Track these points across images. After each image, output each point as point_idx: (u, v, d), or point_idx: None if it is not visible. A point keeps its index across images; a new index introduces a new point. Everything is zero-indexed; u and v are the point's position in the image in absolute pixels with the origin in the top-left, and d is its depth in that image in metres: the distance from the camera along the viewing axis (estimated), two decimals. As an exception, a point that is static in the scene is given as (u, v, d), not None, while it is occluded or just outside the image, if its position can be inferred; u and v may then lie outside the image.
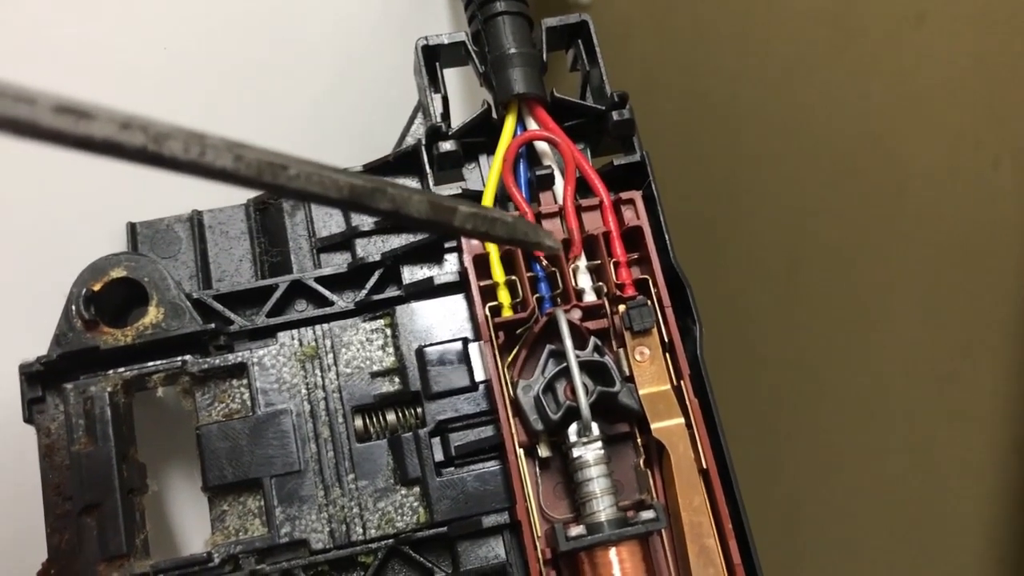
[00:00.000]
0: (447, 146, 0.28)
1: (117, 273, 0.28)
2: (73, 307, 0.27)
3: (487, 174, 0.29)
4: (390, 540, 0.27)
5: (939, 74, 0.56)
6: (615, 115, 0.29)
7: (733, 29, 0.59)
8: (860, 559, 0.48)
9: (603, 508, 0.25)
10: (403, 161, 0.30)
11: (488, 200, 0.28)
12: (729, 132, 0.59)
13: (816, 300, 0.54)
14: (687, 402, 0.26)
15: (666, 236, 0.28)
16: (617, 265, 0.27)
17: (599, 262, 0.28)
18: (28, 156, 0.30)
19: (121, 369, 0.28)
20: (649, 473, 0.26)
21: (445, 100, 0.30)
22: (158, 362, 0.28)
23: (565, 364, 0.26)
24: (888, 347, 0.52)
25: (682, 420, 0.26)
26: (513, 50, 0.29)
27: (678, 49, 0.61)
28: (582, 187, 0.29)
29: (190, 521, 0.31)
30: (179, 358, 0.28)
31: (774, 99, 0.58)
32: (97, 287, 0.28)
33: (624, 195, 0.28)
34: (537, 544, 0.25)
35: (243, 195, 0.30)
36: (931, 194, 0.57)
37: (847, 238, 0.55)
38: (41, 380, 0.27)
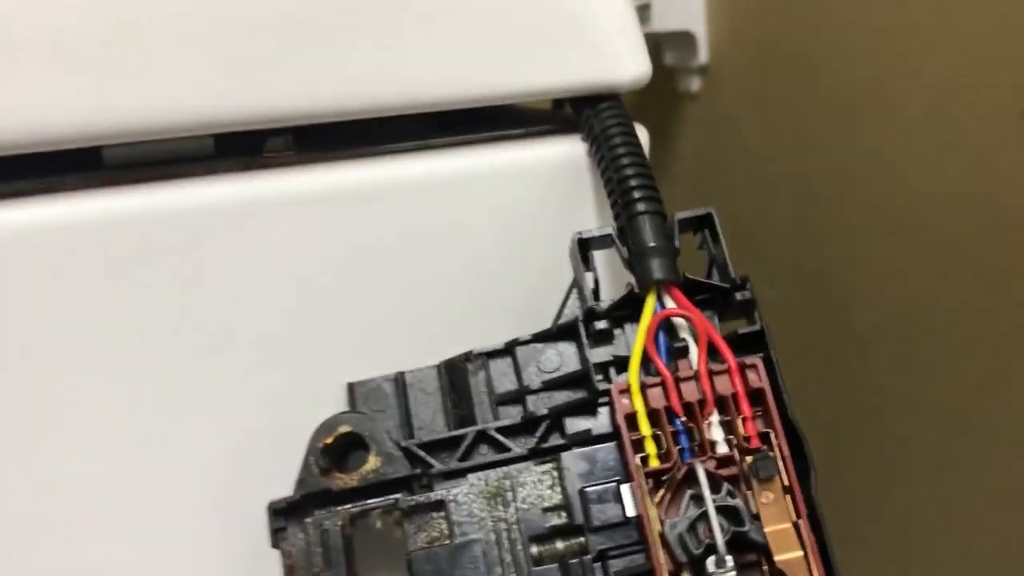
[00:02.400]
0: (601, 325, 0.35)
1: (344, 428, 0.36)
2: (311, 458, 0.35)
3: (631, 340, 0.36)
4: (564, 649, 0.33)
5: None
6: (738, 295, 0.35)
7: (840, 119, 0.62)
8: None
9: (739, 627, 0.31)
10: (564, 332, 0.37)
11: (634, 364, 0.35)
12: (834, 218, 0.63)
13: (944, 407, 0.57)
14: (804, 538, 0.32)
15: (784, 395, 0.34)
16: (744, 420, 0.33)
17: (729, 418, 0.34)
18: (270, 334, 0.39)
19: (348, 505, 0.35)
20: (776, 598, 0.32)
21: (596, 280, 0.37)
22: (377, 499, 0.35)
23: (704, 508, 0.32)
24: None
25: (801, 553, 0.32)
26: (652, 244, 0.35)
27: (784, 138, 0.66)
28: (712, 352, 0.35)
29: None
30: (392, 496, 0.35)
31: (881, 185, 0.60)
32: (329, 440, 0.35)
33: (748, 360, 0.34)
34: (685, 657, 0.31)
35: (436, 358, 0.38)
36: None
37: (967, 341, 0.57)
38: (284, 514, 0.35)
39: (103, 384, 0.37)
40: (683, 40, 0.72)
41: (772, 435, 0.33)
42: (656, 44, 0.75)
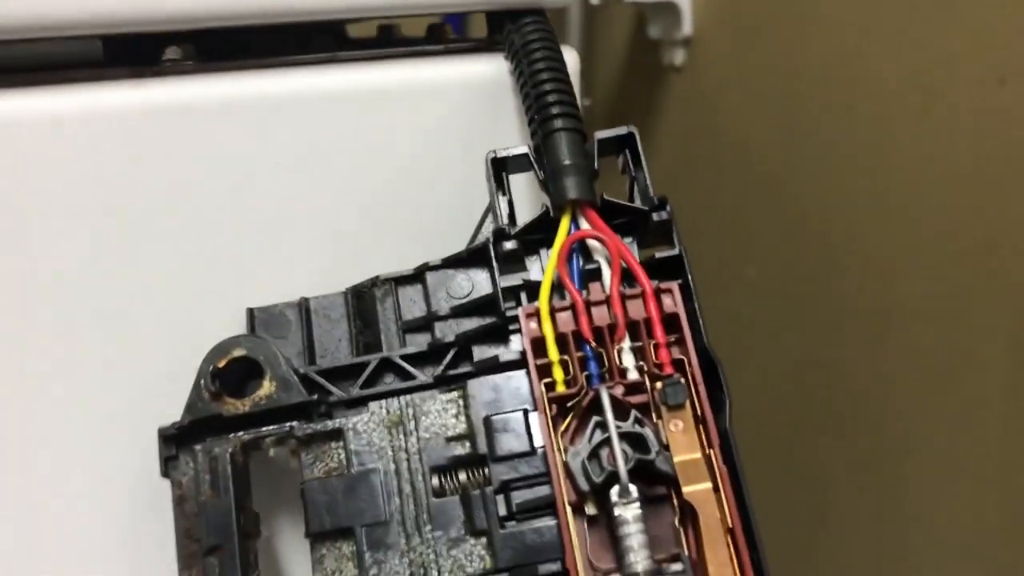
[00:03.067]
0: (510, 245, 0.33)
1: (238, 352, 0.34)
2: (202, 381, 0.33)
3: (545, 266, 0.34)
4: (461, 583, 0.31)
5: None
6: (655, 216, 0.33)
7: (822, 90, 0.61)
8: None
9: (639, 560, 0.29)
10: (475, 256, 0.35)
11: (545, 289, 0.33)
12: (817, 191, 0.62)
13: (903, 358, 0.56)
14: (716, 469, 0.30)
15: (700, 321, 0.32)
16: (657, 347, 0.32)
17: (641, 344, 0.32)
18: (163, 255, 0.36)
19: (240, 433, 0.33)
20: (683, 531, 0.30)
21: (510, 202, 0.35)
22: (270, 427, 0.33)
23: (608, 435, 0.30)
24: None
25: (710, 484, 0.30)
26: (567, 161, 0.33)
27: (767, 111, 0.65)
28: (628, 277, 0.33)
29: (292, 564, 0.36)
30: (288, 424, 0.33)
31: (863, 157, 0.60)
32: (221, 364, 0.33)
33: (663, 285, 0.32)
34: (583, 590, 0.29)
35: (343, 284, 0.36)
36: (1016, 260, 0.58)
37: (934, 301, 0.56)
38: (176, 441, 0.33)
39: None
40: (667, 12, 0.70)
41: (685, 362, 0.31)
42: (641, 16, 0.74)
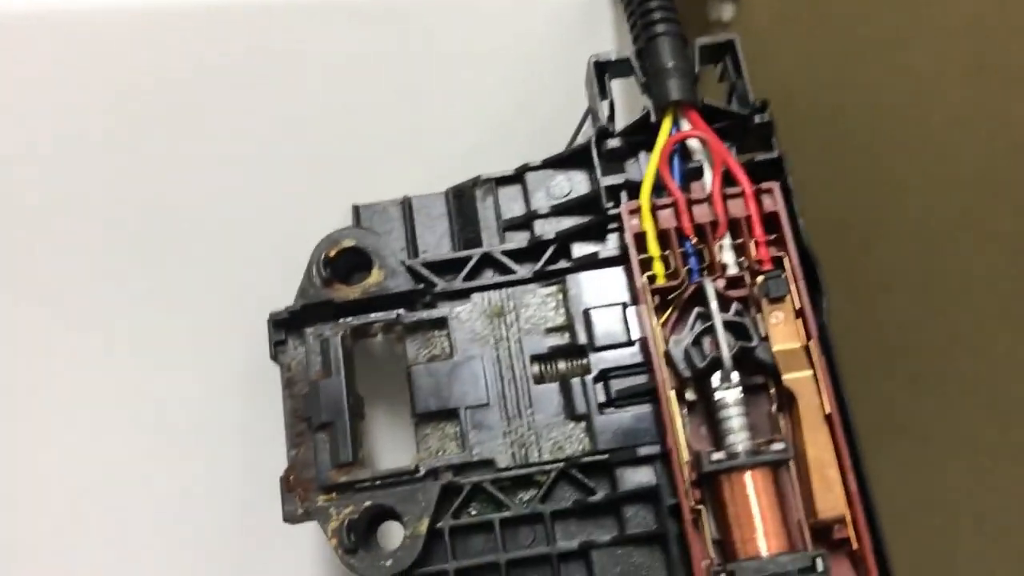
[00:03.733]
0: (613, 143, 0.34)
1: (348, 243, 0.35)
2: (314, 268, 0.34)
3: (645, 168, 0.35)
4: (560, 463, 0.32)
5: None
6: (756, 118, 0.34)
7: (872, 45, 0.62)
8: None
9: (740, 440, 0.30)
10: (576, 156, 0.36)
11: (647, 186, 0.34)
12: (866, 145, 0.62)
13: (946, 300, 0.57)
14: (814, 358, 0.31)
15: (799, 220, 0.33)
16: (757, 244, 0.33)
17: (741, 241, 0.33)
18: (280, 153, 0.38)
19: (349, 319, 0.35)
20: (780, 417, 0.31)
21: (611, 106, 0.36)
22: (378, 314, 0.35)
23: (711, 323, 0.31)
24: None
25: (810, 372, 0.31)
26: (670, 64, 0.34)
27: (816, 65, 0.65)
28: (728, 179, 0.34)
29: (388, 447, 0.38)
30: (395, 311, 0.35)
31: (914, 112, 0.60)
32: (332, 253, 0.35)
33: (764, 185, 0.33)
34: (684, 467, 0.30)
35: (443, 185, 0.37)
36: None
37: (980, 253, 0.57)
38: (285, 326, 0.35)
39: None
40: None
41: (785, 259, 0.32)
42: None
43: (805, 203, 0.34)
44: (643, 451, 0.32)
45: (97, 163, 0.37)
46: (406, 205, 0.37)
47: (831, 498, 0.30)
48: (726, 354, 0.30)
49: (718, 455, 0.30)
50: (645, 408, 0.33)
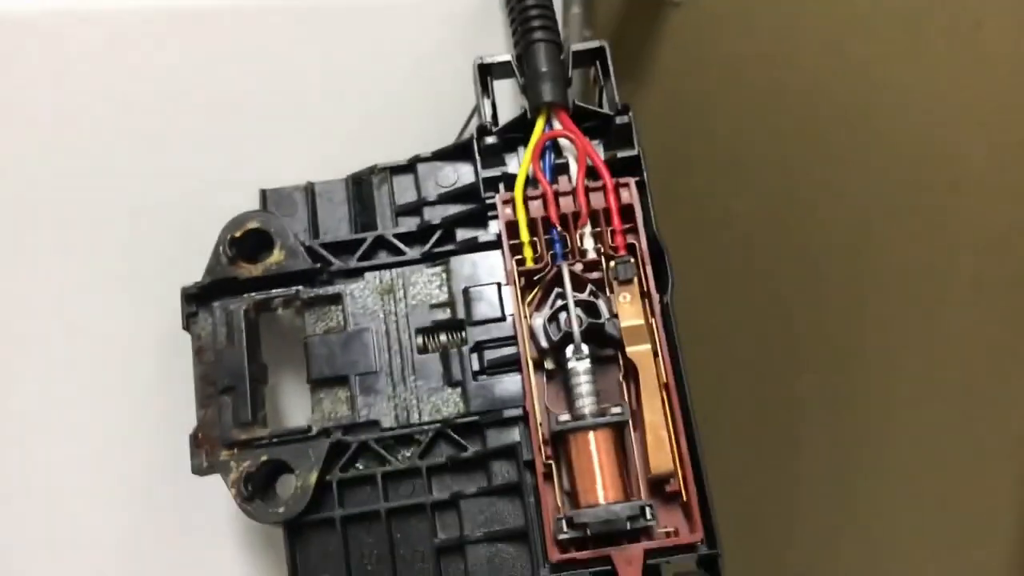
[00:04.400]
0: (491, 140, 0.38)
1: (252, 224, 0.39)
2: (221, 248, 0.38)
3: (522, 160, 0.39)
4: (438, 424, 0.37)
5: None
6: (618, 119, 0.38)
7: (813, 28, 0.65)
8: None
9: (587, 404, 0.35)
10: (462, 149, 0.40)
11: (520, 180, 0.38)
12: (804, 121, 0.66)
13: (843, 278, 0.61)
14: (655, 334, 0.35)
15: (652, 212, 0.37)
16: (613, 232, 0.37)
17: (599, 230, 0.37)
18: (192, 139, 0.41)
19: (253, 294, 0.38)
20: (625, 385, 0.36)
21: (494, 105, 0.40)
22: (279, 290, 0.39)
23: (566, 302, 0.35)
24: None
25: (650, 347, 0.35)
26: (544, 68, 0.38)
27: (760, 46, 0.69)
28: (592, 174, 0.38)
29: (292, 408, 0.42)
30: (294, 288, 0.39)
31: (850, 91, 0.64)
32: (238, 234, 0.39)
33: (622, 180, 0.38)
34: (539, 428, 0.35)
35: (344, 172, 0.41)
36: (981, 194, 0.63)
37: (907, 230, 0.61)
38: (196, 299, 0.39)
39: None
40: None
41: (636, 246, 0.37)
42: None
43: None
44: (508, 413, 0.36)
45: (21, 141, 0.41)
46: (309, 191, 0.41)
47: (663, 456, 0.34)
48: (576, 329, 0.35)
49: (565, 416, 0.34)
50: (514, 376, 0.37)
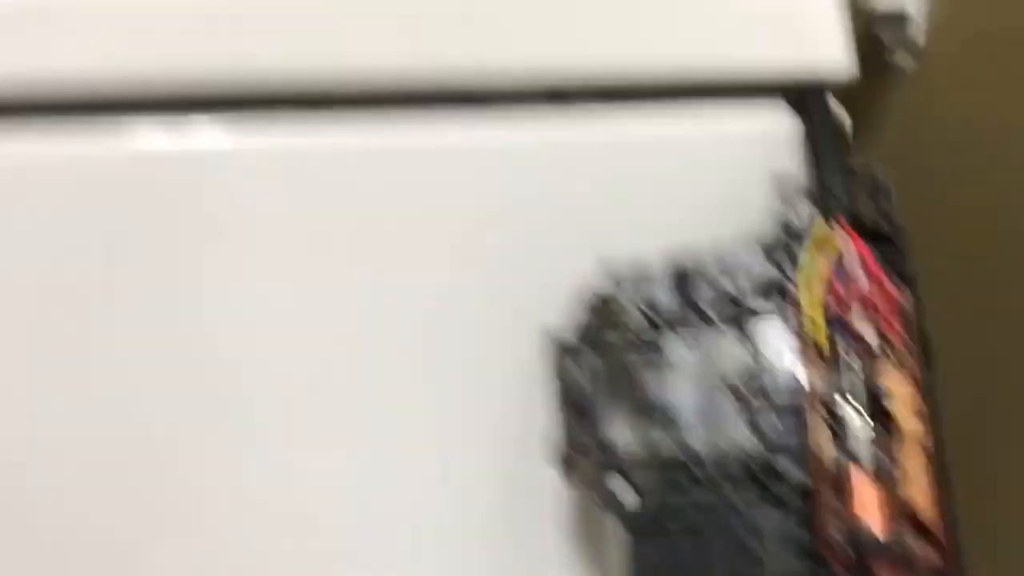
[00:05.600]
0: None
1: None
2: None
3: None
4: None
5: None
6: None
7: None
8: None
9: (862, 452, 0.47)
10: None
11: (815, 291, 0.50)
12: None
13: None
14: (920, 410, 0.48)
15: (922, 313, 0.49)
16: (891, 327, 0.49)
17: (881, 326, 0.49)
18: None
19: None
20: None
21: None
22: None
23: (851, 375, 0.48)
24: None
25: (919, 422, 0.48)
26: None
27: (994, 127, 0.62)
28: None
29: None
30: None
31: None
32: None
33: (901, 298, 0.50)
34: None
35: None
36: None
37: None
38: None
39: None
40: (898, 20, 0.71)
41: (907, 339, 0.49)
42: (870, 19, 0.72)
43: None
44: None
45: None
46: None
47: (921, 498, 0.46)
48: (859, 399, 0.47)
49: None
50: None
